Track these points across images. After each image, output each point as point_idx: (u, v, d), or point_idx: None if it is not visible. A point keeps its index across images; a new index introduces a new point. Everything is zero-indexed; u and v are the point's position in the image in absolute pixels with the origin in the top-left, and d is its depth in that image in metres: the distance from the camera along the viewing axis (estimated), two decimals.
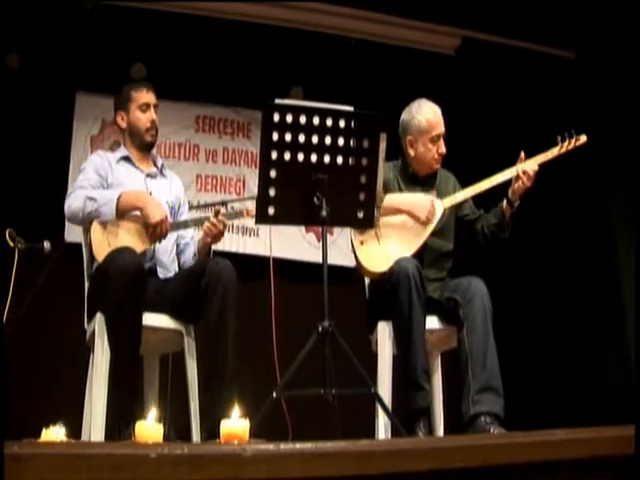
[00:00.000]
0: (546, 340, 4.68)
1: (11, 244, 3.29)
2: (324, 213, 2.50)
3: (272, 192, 2.52)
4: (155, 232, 2.79)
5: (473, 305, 2.80)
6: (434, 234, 3.05)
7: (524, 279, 4.98)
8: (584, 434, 1.48)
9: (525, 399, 4.03)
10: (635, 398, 3.64)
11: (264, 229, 4.65)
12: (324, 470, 1.26)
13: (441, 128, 3.11)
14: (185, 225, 3.02)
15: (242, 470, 1.22)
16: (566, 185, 4.56)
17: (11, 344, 3.02)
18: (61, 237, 4.24)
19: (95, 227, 2.79)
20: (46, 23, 4.41)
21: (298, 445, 1.29)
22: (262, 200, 2.53)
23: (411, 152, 3.14)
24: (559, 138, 3.05)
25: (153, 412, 1.74)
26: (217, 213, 2.87)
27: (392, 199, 3.04)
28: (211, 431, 2.49)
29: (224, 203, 3.08)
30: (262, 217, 2.56)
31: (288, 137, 2.49)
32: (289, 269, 4.65)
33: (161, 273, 2.93)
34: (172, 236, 2.98)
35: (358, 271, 3.06)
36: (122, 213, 2.79)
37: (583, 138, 3.08)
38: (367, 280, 3.15)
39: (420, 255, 3.00)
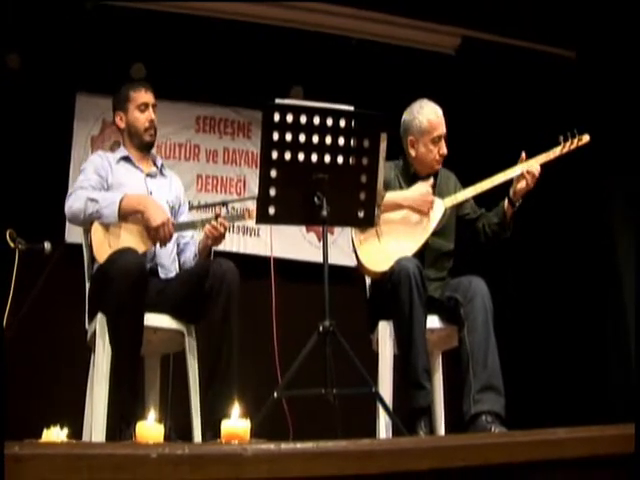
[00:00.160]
0: (547, 339, 4.68)
1: (12, 245, 3.29)
2: (325, 213, 2.50)
3: (273, 192, 2.52)
4: (157, 235, 2.79)
5: (474, 304, 2.80)
6: (435, 234, 3.05)
7: (524, 278, 4.97)
8: (585, 433, 1.48)
9: (526, 398, 4.03)
10: (635, 397, 3.63)
11: (265, 229, 4.65)
12: (325, 470, 1.26)
13: (442, 129, 3.11)
14: (188, 227, 3.01)
15: (243, 470, 1.22)
16: (566, 185, 4.55)
17: (12, 344, 3.02)
18: (62, 238, 4.24)
19: (96, 228, 2.79)
20: (46, 23, 4.41)
21: (299, 445, 1.29)
22: (263, 200, 2.53)
23: (412, 152, 3.14)
24: (561, 138, 3.05)
25: (154, 412, 1.74)
26: (217, 216, 2.86)
27: (392, 195, 3.04)
28: (212, 431, 2.50)
29: (225, 203, 3.08)
30: (263, 217, 2.56)
31: (288, 137, 2.49)
32: (290, 269, 4.65)
33: (162, 273, 2.93)
34: (173, 236, 2.98)
35: (359, 270, 3.06)
36: (124, 216, 2.79)
37: (586, 138, 3.08)
38: (368, 280, 3.15)
39: (421, 254, 3.00)
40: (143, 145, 3.06)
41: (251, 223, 2.84)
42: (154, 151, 3.18)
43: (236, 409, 1.80)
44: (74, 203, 2.80)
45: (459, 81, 4.88)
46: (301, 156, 2.51)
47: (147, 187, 3.02)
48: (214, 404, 2.57)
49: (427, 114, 3.11)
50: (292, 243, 4.86)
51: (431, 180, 3.09)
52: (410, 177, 3.17)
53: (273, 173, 2.50)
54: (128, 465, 1.17)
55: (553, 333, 4.66)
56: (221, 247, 3.03)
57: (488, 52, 4.81)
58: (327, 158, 2.53)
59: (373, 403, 2.69)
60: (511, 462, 1.39)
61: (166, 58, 4.63)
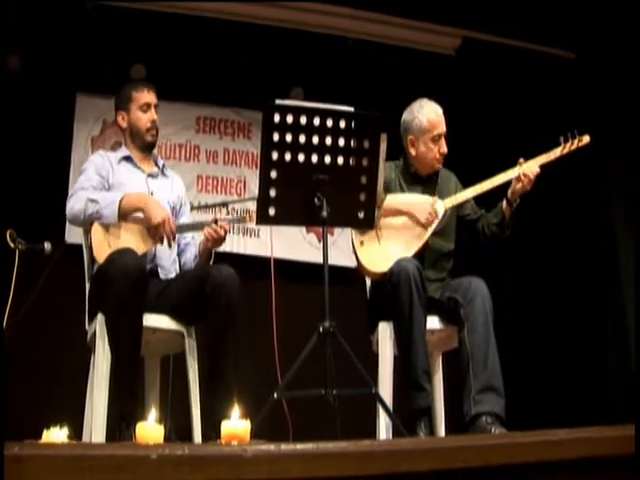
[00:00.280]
0: (547, 340, 4.68)
1: (12, 245, 3.29)
2: (325, 214, 2.50)
3: (273, 193, 2.52)
4: (158, 233, 2.78)
5: (474, 305, 2.80)
6: (435, 234, 3.05)
7: (525, 279, 4.98)
8: (585, 434, 1.48)
9: (526, 399, 4.03)
10: (635, 397, 3.63)
11: (265, 230, 4.65)
12: (325, 470, 1.26)
13: (442, 128, 3.11)
14: (190, 228, 3.00)
15: (243, 471, 1.22)
16: (566, 185, 4.56)
17: (12, 345, 3.02)
18: (62, 238, 4.24)
19: (96, 228, 2.79)
20: (46, 24, 4.41)
21: (299, 446, 1.29)
22: (263, 201, 2.53)
23: (412, 152, 3.14)
24: (562, 139, 3.05)
25: (154, 413, 1.74)
26: (216, 220, 2.86)
27: (393, 200, 3.04)
28: (212, 432, 2.49)
29: (225, 204, 3.08)
30: (263, 218, 2.56)
31: (289, 138, 2.49)
32: (290, 270, 4.65)
33: (162, 274, 2.92)
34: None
35: (359, 271, 3.06)
36: (124, 215, 2.78)
37: (586, 139, 3.08)
38: (368, 280, 3.15)
39: (421, 255, 3.00)
40: (145, 145, 3.06)
41: (251, 224, 2.83)
42: (155, 151, 3.18)
43: (236, 410, 1.80)
44: (75, 204, 2.79)
45: (459, 82, 4.88)
46: (301, 157, 2.51)
47: (148, 187, 3.01)
48: (214, 405, 2.57)
49: (427, 113, 3.11)
50: (292, 244, 4.86)
51: (435, 198, 3.08)
52: (411, 177, 3.17)
53: (273, 174, 2.50)
54: (128, 466, 1.17)
55: (553, 333, 4.66)
56: (221, 248, 3.02)
57: (488, 53, 4.81)
58: (327, 159, 2.53)
59: (373, 404, 2.69)
60: (511, 463, 1.39)
61: (166, 59, 4.64)
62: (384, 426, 2.77)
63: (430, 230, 3.02)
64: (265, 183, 2.51)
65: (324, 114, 2.51)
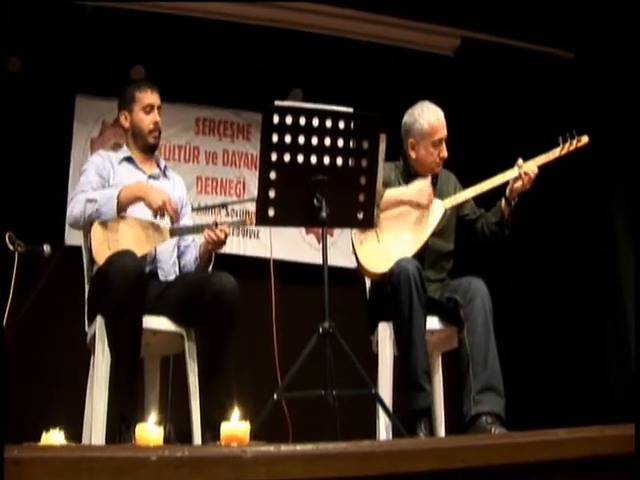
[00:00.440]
0: (546, 340, 4.68)
1: (11, 247, 3.29)
2: (324, 214, 2.50)
3: (272, 194, 2.52)
4: (161, 215, 2.77)
5: (474, 305, 2.80)
6: (435, 235, 3.05)
7: (524, 279, 4.98)
8: (585, 433, 1.48)
9: (526, 399, 4.03)
10: (635, 397, 3.63)
11: (264, 231, 4.66)
12: (325, 471, 1.26)
13: (443, 132, 3.11)
14: (192, 231, 3.00)
15: (243, 472, 1.22)
16: (566, 185, 4.56)
17: (11, 347, 3.01)
18: (61, 240, 4.24)
19: (95, 229, 2.78)
20: (46, 26, 4.41)
21: (299, 447, 1.29)
22: (262, 202, 2.53)
23: (412, 154, 3.14)
24: (560, 139, 3.05)
25: (153, 414, 1.74)
26: (217, 224, 2.85)
27: (392, 192, 3.04)
28: (212, 433, 2.49)
29: (224, 205, 3.08)
30: (262, 219, 2.56)
31: (288, 139, 2.49)
32: (289, 271, 4.65)
33: (162, 276, 2.92)
34: (173, 239, 2.97)
35: (359, 272, 3.06)
36: (124, 207, 2.78)
37: (585, 139, 3.08)
38: (368, 281, 3.15)
39: (421, 255, 3.00)
40: (147, 147, 3.04)
41: (251, 226, 2.83)
42: (157, 153, 3.17)
43: (236, 411, 1.80)
44: (74, 208, 2.78)
45: (458, 82, 4.88)
46: (300, 158, 2.51)
47: None
48: (213, 406, 2.57)
49: (428, 117, 3.10)
50: (292, 245, 4.87)
51: (429, 177, 3.09)
52: (410, 178, 3.17)
53: (272, 175, 2.50)
54: (128, 468, 1.17)
55: (553, 333, 4.66)
56: (221, 249, 3.02)
57: (487, 53, 4.82)
58: (326, 160, 2.53)
59: (373, 404, 2.68)
60: (511, 463, 1.39)
61: (165, 60, 4.64)
62: (384, 427, 2.77)
63: (431, 227, 3.02)
64: (264, 184, 2.51)
65: (323, 115, 2.51)
